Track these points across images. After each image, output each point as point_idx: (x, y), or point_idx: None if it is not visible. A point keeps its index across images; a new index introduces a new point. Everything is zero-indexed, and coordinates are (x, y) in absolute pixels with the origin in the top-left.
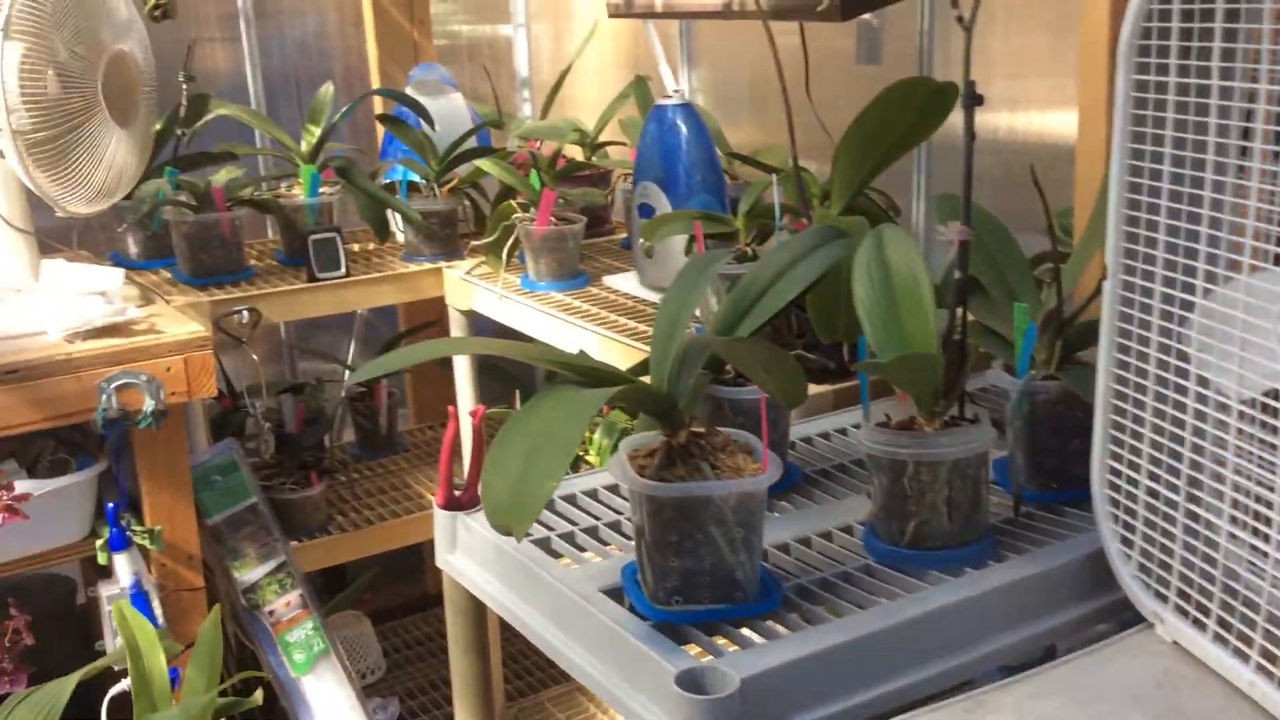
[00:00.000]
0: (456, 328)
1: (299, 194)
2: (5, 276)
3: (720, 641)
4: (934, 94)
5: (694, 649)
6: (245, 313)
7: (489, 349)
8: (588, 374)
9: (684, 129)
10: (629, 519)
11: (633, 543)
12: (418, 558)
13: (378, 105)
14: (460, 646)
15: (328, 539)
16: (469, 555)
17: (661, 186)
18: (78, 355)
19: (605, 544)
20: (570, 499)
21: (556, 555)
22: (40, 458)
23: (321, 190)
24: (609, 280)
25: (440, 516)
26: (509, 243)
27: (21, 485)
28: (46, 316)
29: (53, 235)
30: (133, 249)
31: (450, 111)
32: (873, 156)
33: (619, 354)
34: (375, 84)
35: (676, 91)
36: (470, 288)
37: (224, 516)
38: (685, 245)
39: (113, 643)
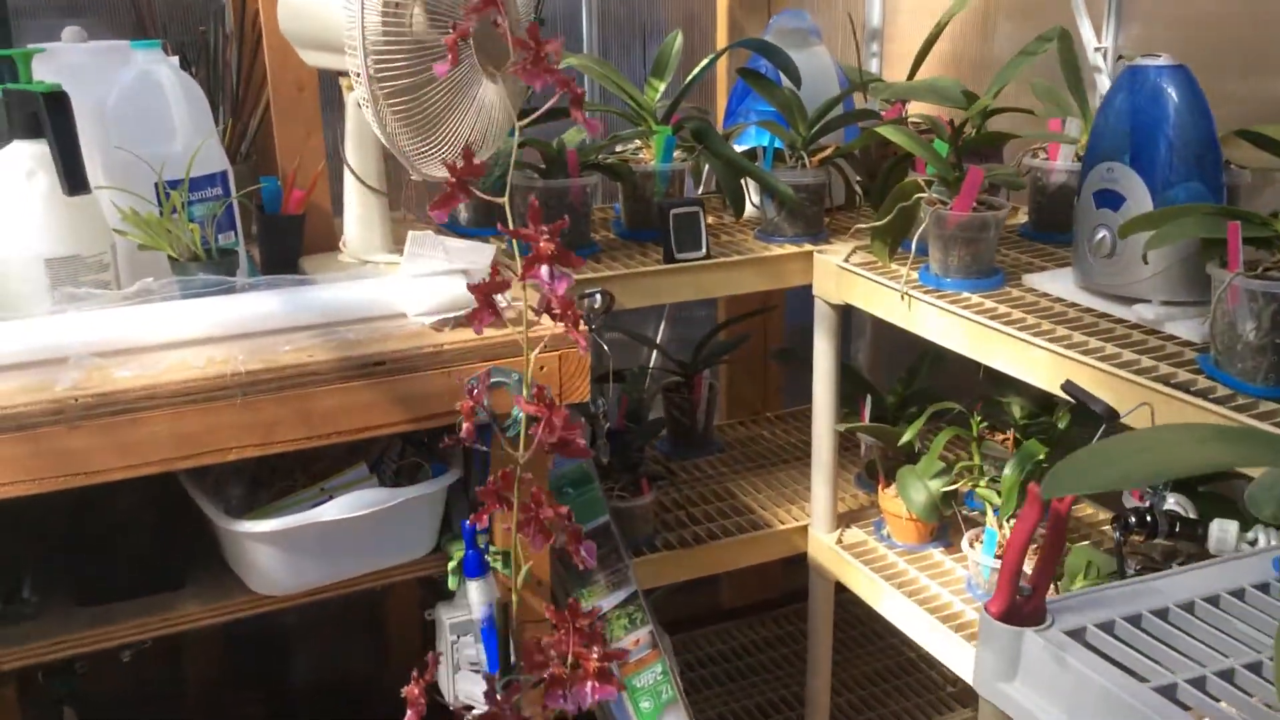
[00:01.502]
0: (823, 323)
1: (646, 158)
2: (359, 245)
3: None
4: None
5: None
6: (598, 296)
7: None
8: None
9: (1174, 98)
10: None
11: None
12: None
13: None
14: None
15: (656, 556)
16: (1039, 689)
17: (1136, 169)
18: (449, 347)
19: (1249, 694)
20: (1163, 613)
21: (1184, 706)
22: (384, 460)
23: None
24: (1032, 280)
25: (996, 632)
26: (918, 228)
27: (373, 495)
28: (407, 296)
29: None
30: (463, 214)
31: (815, 68)
32: None
33: (1111, 389)
34: (722, 32)
35: (1099, 49)
36: (850, 278)
37: None
38: (1198, 249)
39: (449, 677)
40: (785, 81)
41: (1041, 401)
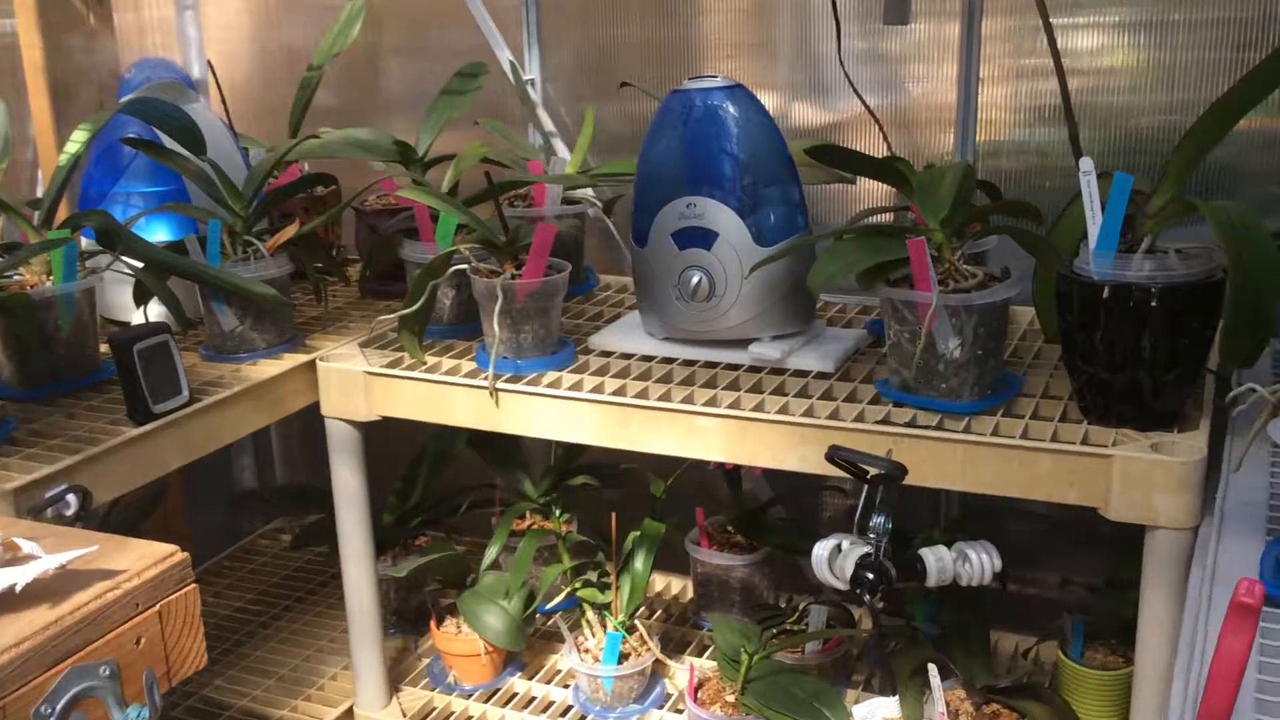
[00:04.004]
0: (344, 450)
1: (30, 280)
2: None
3: None
4: None
5: None
6: (70, 497)
7: None
8: None
9: (737, 117)
10: None
11: None
12: None
13: (44, 128)
14: None
15: None
16: None
17: (718, 200)
18: None
19: None
20: None
21: None
22: None
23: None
24: (599, 341)
25: None
26: (490, 308)
27: None
28: None
29: None
30: None
31: (205, 129)
32: (1216, 137)
33: (822, 442)
34: (37, 90)
35: (530, 81)
36: (393, 386)
37: None
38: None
39: None
40: (174, 148)
41: (561, 472)
